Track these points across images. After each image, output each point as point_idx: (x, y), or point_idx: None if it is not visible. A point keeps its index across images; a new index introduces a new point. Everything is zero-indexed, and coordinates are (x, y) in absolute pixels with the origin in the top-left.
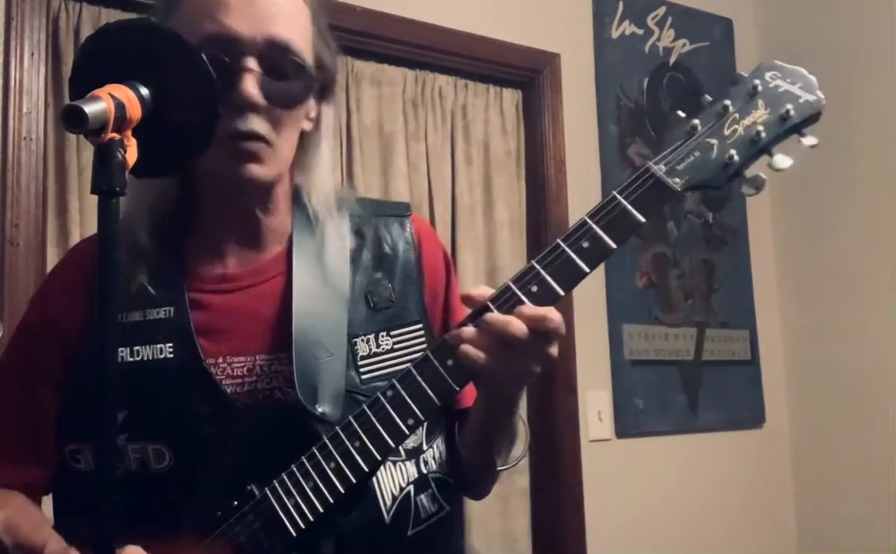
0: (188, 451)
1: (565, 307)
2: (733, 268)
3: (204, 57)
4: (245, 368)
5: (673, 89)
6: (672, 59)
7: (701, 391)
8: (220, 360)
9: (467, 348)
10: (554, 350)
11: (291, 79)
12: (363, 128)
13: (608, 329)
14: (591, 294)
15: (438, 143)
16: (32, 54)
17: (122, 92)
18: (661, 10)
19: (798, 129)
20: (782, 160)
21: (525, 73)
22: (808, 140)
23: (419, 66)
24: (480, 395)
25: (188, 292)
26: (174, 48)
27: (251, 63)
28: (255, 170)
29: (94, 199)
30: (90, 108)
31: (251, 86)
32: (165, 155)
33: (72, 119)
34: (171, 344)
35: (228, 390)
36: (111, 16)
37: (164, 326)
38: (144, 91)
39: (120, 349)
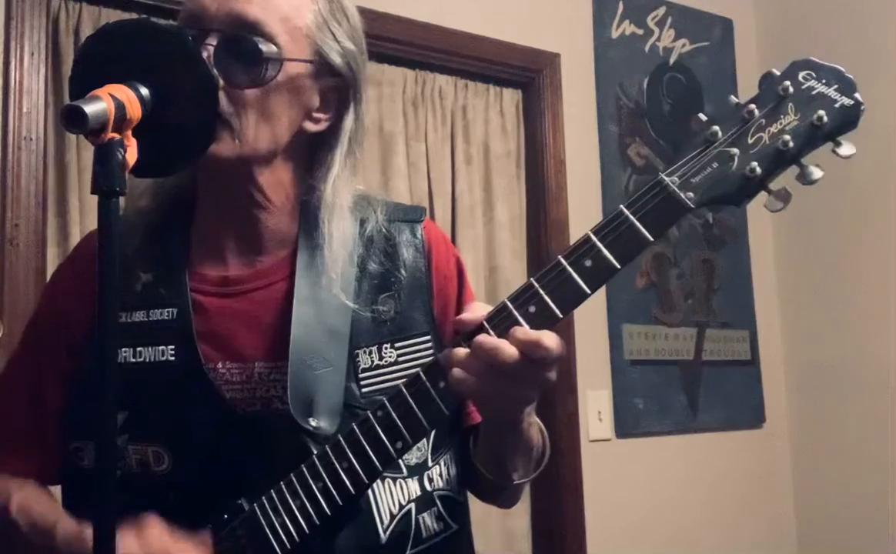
0: (186, 455)
1: None
2: (733, 268)
3: (204, 57)
4: (244, 375)
5: (673, 89)
6: (672, 59)
7: (701, 391)
8: (220, 365)
9: (457, 373)
10: (551, 375)
11: (245, 58)
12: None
13: (608, 329)
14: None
15: (438, 143)
16: (32, 54)
17: (122, 92)
18: (661, 10)
19: (832, 136)
20: (814, 172)
21: (525, 73)
22: (845, 150)
23: (419, 66)
24: (482, 416)
25: (191, 293)
26: (174, 48)
27: (211, 38)
28: (215, 148)
29: (94, 199)
30: (90, 108)
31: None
32: (165, 155)
33: (72, 119)
34: (172, 346)
35: (228, 396)
36: (111, 16)
37: (167, 328)
38: (144, 91)
39: (123, 349)
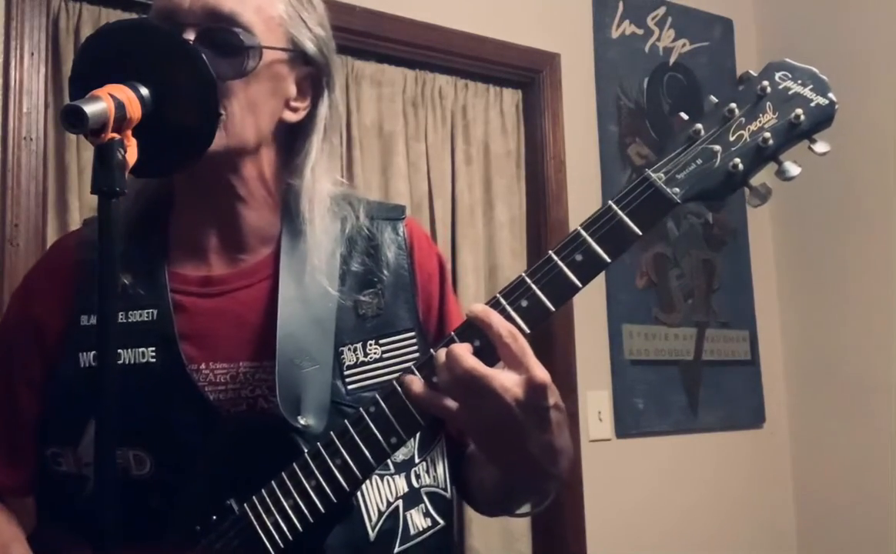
0: (169, 458)
1: (566, 307)
2: (733, 268)
3: (203, 57)
4: (228, 375)
5: (673, 89)
6: (672, 59)
7: (701, 391)
8: (203, 366)
9: (414, 391)
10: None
11: (225, 50)
12: (363, 128)
13: (608, 329)
14: (591, 294)
15: (438, 143)
16: (32, 54)
17: (122, 92)
18: (661, 10)
19: (808, 134)
20: (791, 168)
21: (525, 73)
22: (820, 147)
23: (419, 66)
24: (476, 444)
25: (172, 294)
26: (174, 48)
27: (188, 33)
28: None
29: (94, 199)
30: (90, 108)
31: None
32: (165, 155)
33: (72, 119)
34: (153, 348)
35: (211, 397)
36: (111, 16)
37: (147, 329)
38: (144, 91)
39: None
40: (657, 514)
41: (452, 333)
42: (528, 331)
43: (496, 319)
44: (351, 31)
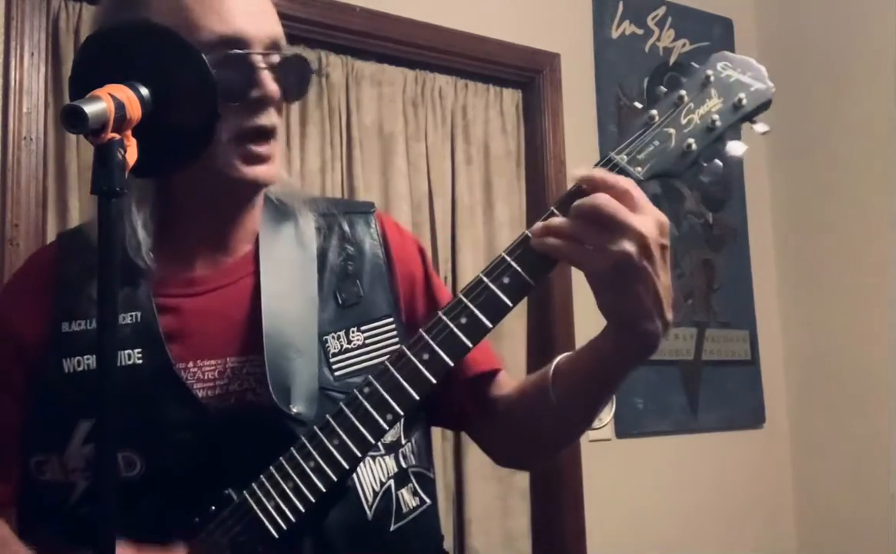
0: (159, 457)
1: (566, 307)
2: (733, 268)
3: (204, 57)
4: (216, 372)
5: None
6: (672, 59)
7: (701, 391)
8: (191, 364)
9: (551, 241)
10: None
11: (301, 74)
12: (363, 128)
13: None
14: (591, 294)
15: (438, 143)
16: (32, 54)
17: (122, 92)
18: (661, 10)
19: (751, 116)
20: (737, 147)
21: (525, 73)
22: (760, 127)
23: (419, 66)
24: (606, 314)
25: (155, 297)
26: (174, 48)
27: (265, 60)
28: (268, 170)
29: (95, 199)
30: (90, 108)
31: (272, 81)
32: (165, 155)
33: (72, 119)
34: (139, 350)
35: (200, 394)
36: None
37: (131, 332)
38: (144, 91)
39: (86, 357)
40: (657, 514)
41: (440, 313)
42: (490, 326)
43: (609, 175)
44: (351, 31)
